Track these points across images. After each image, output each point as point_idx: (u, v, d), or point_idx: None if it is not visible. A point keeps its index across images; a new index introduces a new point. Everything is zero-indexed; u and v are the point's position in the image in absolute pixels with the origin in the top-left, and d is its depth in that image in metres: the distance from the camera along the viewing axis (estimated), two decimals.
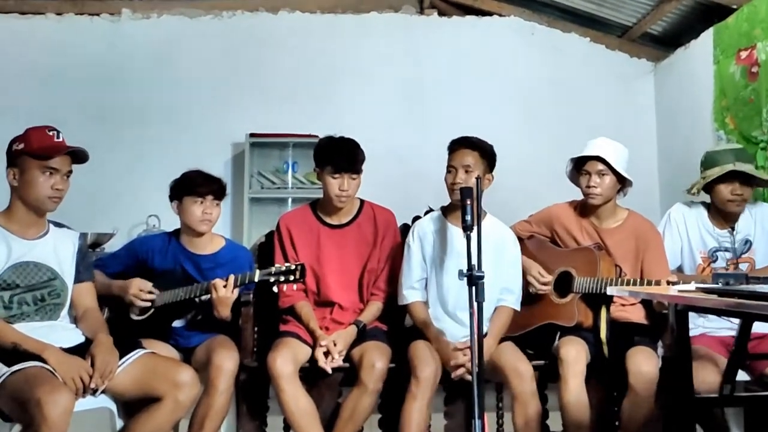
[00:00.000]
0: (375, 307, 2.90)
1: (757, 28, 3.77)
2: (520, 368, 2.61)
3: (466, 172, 2.71)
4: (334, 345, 2.71)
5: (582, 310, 2.79)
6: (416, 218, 3.13)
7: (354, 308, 2.91)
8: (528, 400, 2.58)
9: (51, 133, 2.45)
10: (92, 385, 2.30)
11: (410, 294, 2.83)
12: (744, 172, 2.78)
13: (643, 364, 2.59)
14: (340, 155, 2.81)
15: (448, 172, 2.76)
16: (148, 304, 2.77)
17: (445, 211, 2.88)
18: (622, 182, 2.87)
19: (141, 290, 2.77)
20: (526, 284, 2.91)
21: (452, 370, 2.65)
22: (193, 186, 2.79)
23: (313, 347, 2.74)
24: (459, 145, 2.78)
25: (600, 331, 2.76)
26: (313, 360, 2.73)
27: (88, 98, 4.79)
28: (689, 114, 4.54)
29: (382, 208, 3.01)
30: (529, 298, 2.92)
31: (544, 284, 2.87)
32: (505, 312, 2.79)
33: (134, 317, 2.81)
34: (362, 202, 3.00)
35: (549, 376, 2.72)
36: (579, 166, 2.89)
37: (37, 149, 2.40)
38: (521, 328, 2.89)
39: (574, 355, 2.63)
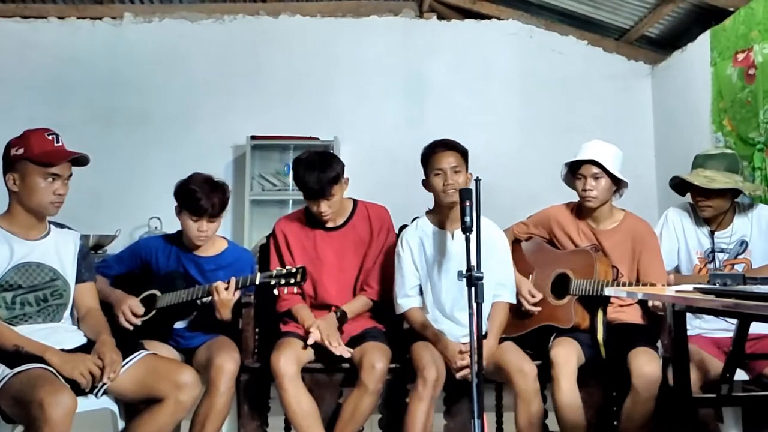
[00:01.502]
0: (361, 302, 2.90)
1: (754, 31, 3.80)
2: (524, 367, 2.62)
3: (455, 172, 2.72)
4: (326, 338, 2.72)
5: (579, 311, 2.80)
6: (416, 219, 3.14)
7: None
8: (531, 398, 2.59)
9: (50, 137, 2.43)
10: (104, 380, 2.31)
11: (406, 302, 2.83)
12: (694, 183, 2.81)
13: (646, 365, 2.59)
14: (305, 184, 2.77)
15: (436, 175, 2.74)
16: (130, 327, 2.72)
17: (431, 215, 2.88)
18: (618, 184, 2.89)
19: (130, 310, 2.74)
20: (518, 302, 2.91)
21: (456, 371, 2.66)
22: (191, 202, 2.73)
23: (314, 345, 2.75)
24: (440, 147, 2.77)
25: (597, 332, 2.78)
26: (315, 360, 2.75)
27: (90, 101, 4.83)
28: (687, 116, 4.56)
29: (376, 205, 3.02)
30: (523, 304, 2.93)
31: (535, 304, 2.87)
32: (501, 308, 2.79)
33: (137, 323, 2.81)
34: (355, 202, 3.01)
35: (546, 376, 2.73)
36: (574, 170, 2.90)
37: (38, 155, 2.39)
38: (519, 329, 2.90)
39: (565, 356, 2.64)
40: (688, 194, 2.96)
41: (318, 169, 2.76)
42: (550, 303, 2.89)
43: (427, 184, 2.81)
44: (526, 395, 2.59)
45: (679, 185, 2.95)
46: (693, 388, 2.40)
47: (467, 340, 2.63)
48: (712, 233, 2.89)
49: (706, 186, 2.79)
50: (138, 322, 2.75)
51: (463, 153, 2.78)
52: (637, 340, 2.73)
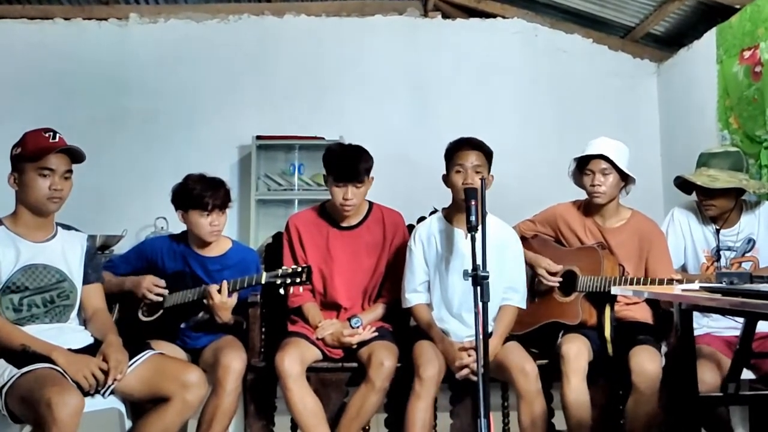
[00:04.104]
0: (380, 309, 2.92)
1: (760, 28, 3.78)
2: (525, 367, 2.62)
3: (476, 171, 2.72)
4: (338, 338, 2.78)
5: (586, 308, 2.80)
6: (421, 219, 3.14)
7: (359, 311, 2.92)
8: (533, 398, 2.59)
9: (47, 135, 2.44)
10: (109, 382, 2.32)
11: (413, 297, 2.83)
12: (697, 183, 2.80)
13: (646, 363, 2.60)
14: (342, 165, 2.81)
15: (457, 172, 2.74)
16: (161, 298, 2.79)
17: (447, 212, 2.88)
18: (625, 180, 2.88)
19: (154, 285, 2.79)
20: (534, 279, 2.92)
21: (457, 371, 2.66)
22: (198, 199, 2.76)
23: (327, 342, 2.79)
24: (464, 145, 2.78)
25: (604, 329, 2.77)
26: (321, 360, 2.77)
27: (96, 102, 4.84)
28: (693, 114, 4.54)
29: (391, 210, 3.02)
30: (534, 296, 2.94)
31: (554, 274, 2.87)
32: (509, 311, 2.79)
33: (143, 318, 2.83)
34: (371, 204, 3.01)
35: (553, 374, 2.72)
36: (582, 166, 2.90)
37: (31, 152, 2.41)
38: (526, 326, 2.90)
39: (575, 352, 2.64)
40: (695, 192, 2.95)
41: (356, 153, 2.85)
42: (557, 300, 2.89)
43: (447, 180, 2.80)
44: (528, 395, 2.59)
45: (684, 184, 2.94)
46: (712, 387, 2.41)
47: (472, 340, 2.65)
48: (717, 231, 2.88)
49: (709, 186, 2.78)
50: (166, 292, 2.78)
51: (488, 154, 2.78)
52: (639, 337, 2.72)
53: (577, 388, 2.61)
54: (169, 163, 4.61)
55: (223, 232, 2.90)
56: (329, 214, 2.96)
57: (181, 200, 2.82)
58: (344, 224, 2.94)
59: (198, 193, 2.76)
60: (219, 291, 2.68)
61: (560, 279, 2.88)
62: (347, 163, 2.80)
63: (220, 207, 2.79)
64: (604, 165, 2.83)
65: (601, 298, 2.80)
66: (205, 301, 2.73)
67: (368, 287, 2.95)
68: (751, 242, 2.87)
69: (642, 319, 2.87)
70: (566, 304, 2.85)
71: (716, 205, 2.83)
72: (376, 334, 2.78)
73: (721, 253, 2.88)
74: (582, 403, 2.61)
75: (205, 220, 2.78)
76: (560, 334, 2.78)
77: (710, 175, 2.80)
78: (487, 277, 2.16)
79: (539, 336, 2.88)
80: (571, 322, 2.80)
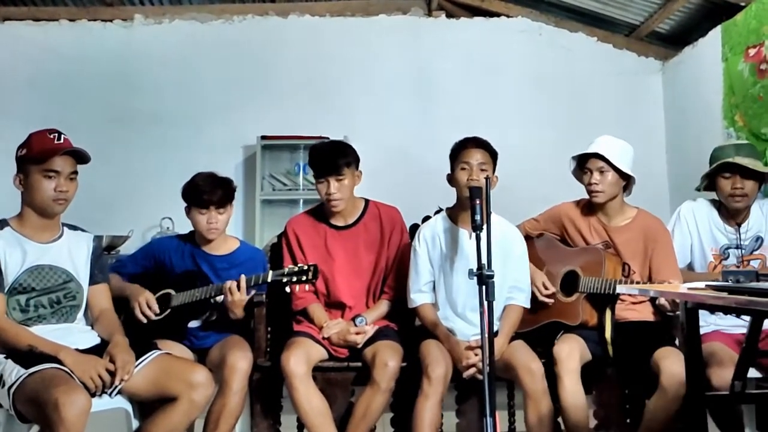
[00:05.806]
0: (384, 306, 2.92)
1: (765, 25, 3.77)
2: (532, 366, 2.62)
3: (482, 170, 2.72)
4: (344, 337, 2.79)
5: (587, 309, 2.80)
6: (426, 218, 3.14)
7: (364, 309, 2.92)
8: (540, 397, 2.59)
9: (52, 136, 2.45)
10: (116, 382, 2.33)
11: (418, 297, 2.84)
12: (740, 164, 2.77)
13: (675, 366, 2.51)
14: (319, 161, 2.84)
15: (462, 169, 2.75)
16: (145, 320, 2.75)
17: (451, 211, 2.89)
18: (627, 179, 2.87)
19: (146, 303, 2.75)
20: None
21: (463, 370, 2.66)
22: (196, 196, 2.79)
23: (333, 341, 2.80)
24: (470, 143, 2.78)
25: (605, 330, 2.76)
26: (327, 359, 2.77)
27: (102, 103, 4.86)
28: (698, 112, 4.54)
29: (387, 206, 3.02)
30: (536, 296, 2.93)
31: (548, 296, 2.88)
32: (515, 310, 2.80)
33: (152, 317, 2.84)
34: (367, 201, 3.02)
35: (553, 374, 2.72)
36: (582, 164, 2.90)
37: (37, 153, 2.41)
38: (528, 325, 2.89)
39: (567, 353, 2.63)
40: (720, 188, 2.91)
41: (333, 147, 2.90)
42: (558, 300, 2.89)
43: (451, 178, 2.81)
44: (535, 394, 2.59)
45: (711, 176, 2.89)
46: (726, 387, 2.40)
47: (478, 339, 2.64)
48: (739, 226, 2.87)
49: (761, 170, 2.77)
50: (152, 316, 2.77)
51: (493, 153, 2.79)
52: (660, 339, 2.70)
53: (571, 389, 2.59)
54: (174, 163, 4.63)
55: (226, 230, 2.91)
56: (325, 214, 2.97)
57: (185, 196, 2.85)
58: (341, 223, 2.95)
59: (196, 191, 2.79)
60: (238, 288, 2.68)
61: (552, 300, 2.88)
62: (324, 157, 2.83)
63: (217, 205, 2.79)
64: (600, 164, 2.82)
65: (602, 300, 2.79)
66: (218, 298, 2.75)
67: (371, 284, 2.95)
68: (759, 240, 2.86)
69: (647, 319, 2.86)
70: (567, 304, 2.85)
71: (749, 195, 2.82)
72: (371, 333, 2.78)
73: (730, 251, 2.87)
74: (578, 404, 2.59)
75: (203, 217, 2.80)
76: (559, 335, 2.78)
77: (746, 164, 2.79)
78: (492, 276, 2.16)
79: (540, 335, 2.88)
80: (572, 322, 2.80)
